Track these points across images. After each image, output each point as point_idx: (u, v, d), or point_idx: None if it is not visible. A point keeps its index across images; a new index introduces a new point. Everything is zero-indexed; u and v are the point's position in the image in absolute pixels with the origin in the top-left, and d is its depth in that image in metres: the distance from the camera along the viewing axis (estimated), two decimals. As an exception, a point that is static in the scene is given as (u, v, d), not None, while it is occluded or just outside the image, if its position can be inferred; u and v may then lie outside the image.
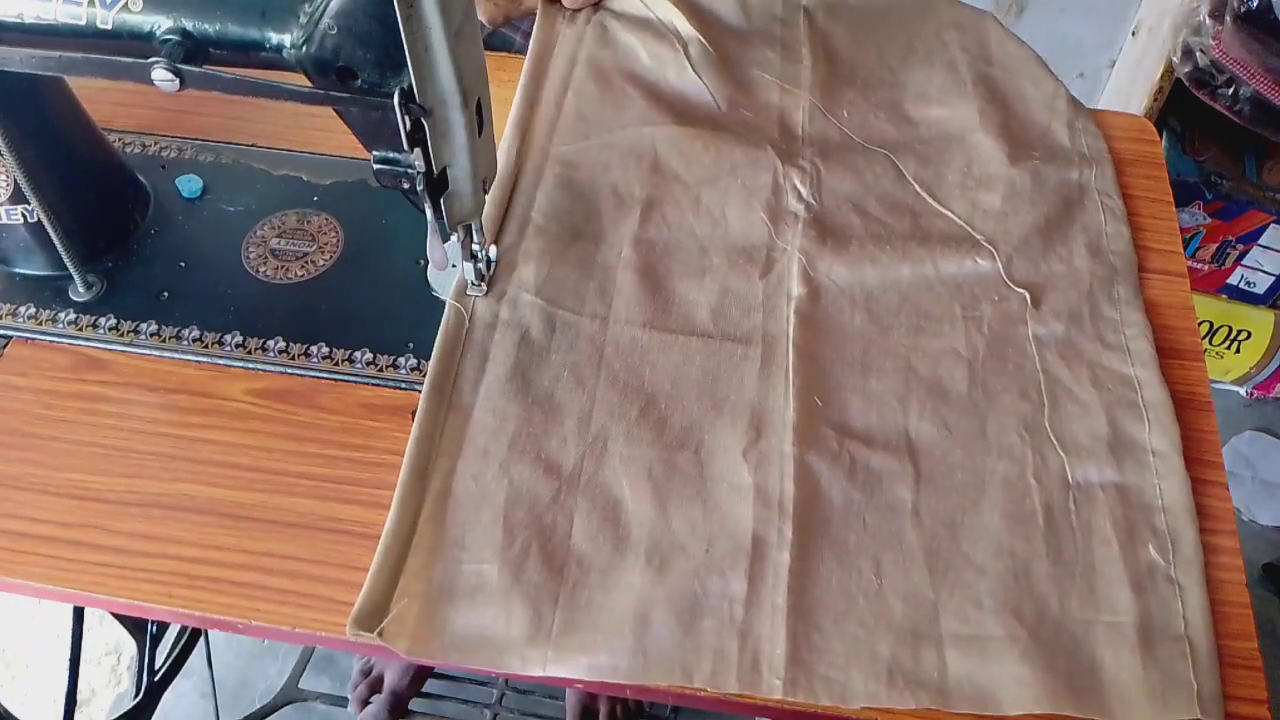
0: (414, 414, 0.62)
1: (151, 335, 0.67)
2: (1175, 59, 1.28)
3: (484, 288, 0.66)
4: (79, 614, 1.06)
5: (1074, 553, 0.56)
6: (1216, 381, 1.66)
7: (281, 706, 1.24)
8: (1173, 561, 0.56)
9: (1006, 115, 0.78)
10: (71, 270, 0.67)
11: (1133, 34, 1.56)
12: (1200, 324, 1.52)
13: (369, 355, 0.66)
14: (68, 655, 1.04)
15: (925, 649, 0.53)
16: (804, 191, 0.72)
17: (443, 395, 0.61)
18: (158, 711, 1.15)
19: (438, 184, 0.56)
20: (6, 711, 1.13)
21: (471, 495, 0.58)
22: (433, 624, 0.54)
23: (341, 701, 1.24)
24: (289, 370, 0.65)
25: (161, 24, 0.54)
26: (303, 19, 0.53)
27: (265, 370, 0.65)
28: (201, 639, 1.20)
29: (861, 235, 0.70)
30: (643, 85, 0.78)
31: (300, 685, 1.26)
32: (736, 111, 0.77)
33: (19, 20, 0.55)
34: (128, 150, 0.79)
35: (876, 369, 0.64)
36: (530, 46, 0.81)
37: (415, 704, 1.19)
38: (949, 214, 0.72)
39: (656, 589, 0.54)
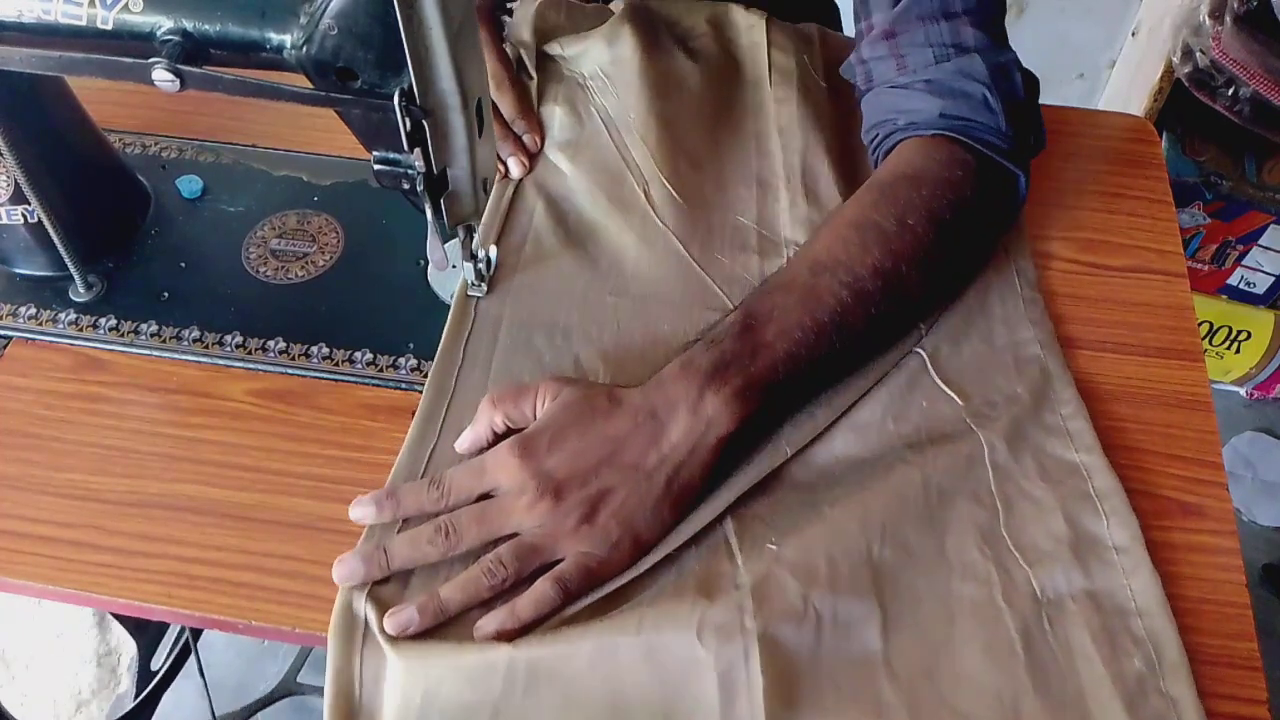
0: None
1: (152, 335, 0.67)
2: (1175, 59, 1.28)
3: (484, 288, 0.66)
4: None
5: (1060, 679, 0.52)
6: (1217, 382, 1.67)
7: (280, 698, 1.25)
8: (1160, 671, 0.52)
9: None
10: (72, 270, 0.67)
11: (1132, 34, 1.56)
12: (1200, 324, 1.53)
13: (369, 356, 0.66)
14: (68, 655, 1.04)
15: None
16: None
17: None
18: (157, 712, 1.16)
19: (438, 184, 0.56)
20: (5, 712, 1.14)
21: None
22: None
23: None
24: (289, 371, 0.65)
25: (162, 24, 0.54)
26: (303, 19, 0.53)
27: (265, 370, 0.65)
28: (201, 640, 1.20)
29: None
30: (602, 242, 0.70)
31: (299, 679, 1.26)
32: (710, 257, 0.69)
33: (19, 20, 0.55)
34: (128, 150, 0.79)
35: (828, 500, 0.56)
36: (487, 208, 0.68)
37: None
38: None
39: None
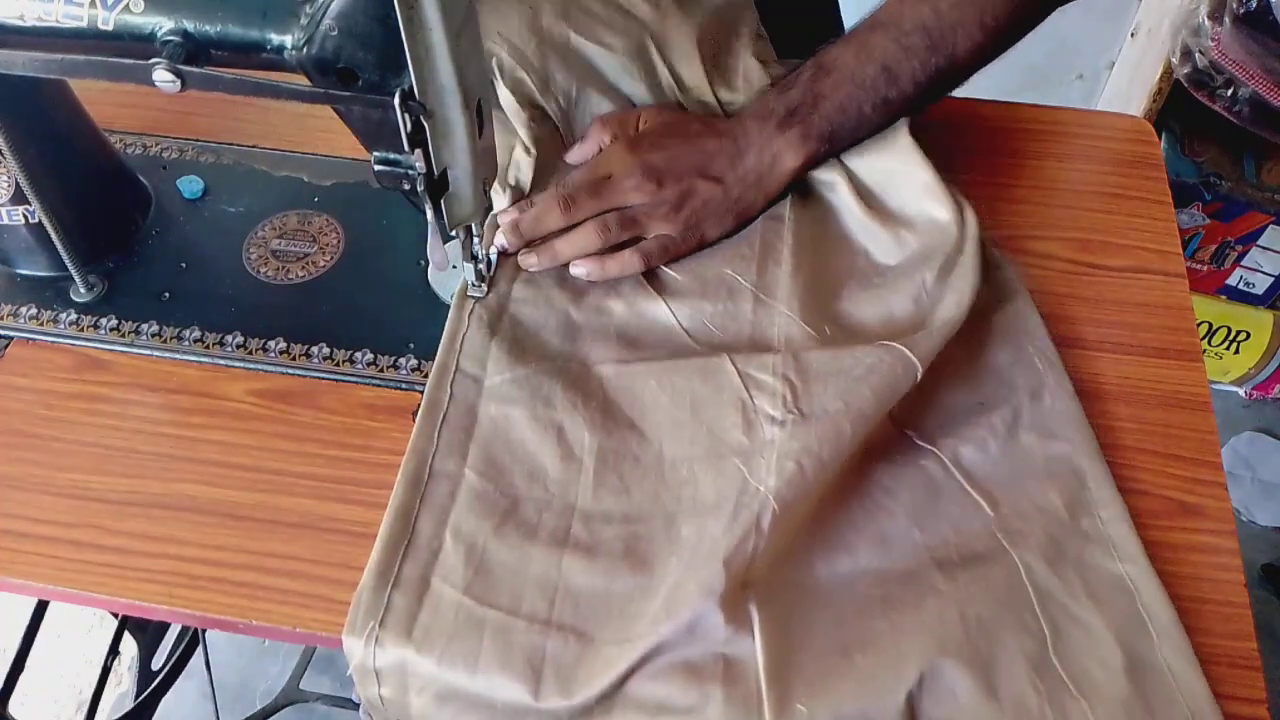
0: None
1: (152, 336, 0.67)
2: (1174, 60, 1.28)
3: (484, 288, 0.66)
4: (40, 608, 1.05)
5: None
6: (1215, 382, 1.67)
7: (283, 707, 1.24)
8: None
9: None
10: (72, 271, 0.67)
11: (1132, 35, 1.56)
12: (1199, 325, 1.53)
13: (370, 356, 0.66)
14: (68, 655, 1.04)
15: None
16: (777, 415, 0.59)
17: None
18: (158, 712, 1.16)
19: (438, 185, 0.56)
20: (5, 712, 1.14)
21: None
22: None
23: (342, 702, 1.24)
24: (290, 371, 0.65)
25: (162, 25, 0.54)
26: (303, 20, 0.53)
27: (266, 371, 0.65)
28: (202, 639, 1.20)
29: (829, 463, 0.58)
30: (589, 303, 0.66)
31: (301, 686, 1.26)
32: (699, 325, 0.65)
33: (19, 22, 0.55)
34: (129, 151, 0.79)
35: (858, 643, 0.53)
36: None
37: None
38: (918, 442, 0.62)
39: None
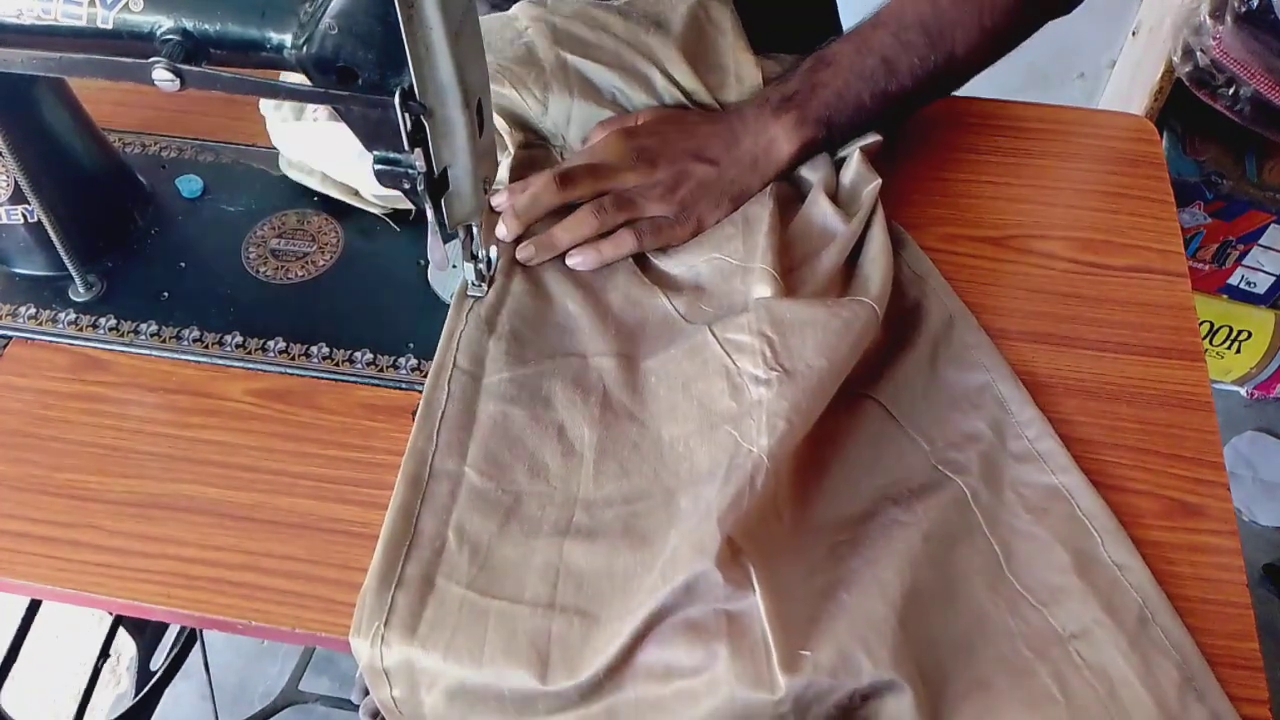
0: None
1: (151, 335, 0.67)
2: (1175, 59, 1.28)
3: (484, 288, 0.66)
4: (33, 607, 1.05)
5: (1104, 713, 0.51)
6: (1217, 382, 1.66)
7: (282, 709, 1.24)
8: (1192, 674, 0.52)
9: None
10: (71, 270, 0.67)
11: (1133, 34, 1.56)
12: (1201, 324, 1.52)
13: (369, 356, 0.66)
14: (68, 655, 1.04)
15: None
16: (760, 374, 0.58)
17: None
18: (157, 712, 1.15)
19: (438, 184, 0.56)
20: (4, 712, 1.14)
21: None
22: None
23: (342, 704, 1.24)
24: (289, 370, 0.65)
25: (162, 24, 0.54)
26: (303, 19, 0.53)
27: (265, 370, 0.65)
28: (200, 640, 1.20)
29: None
30: (587, 297, 0.66)
31: (300, 687, 1.26)
32: (696, 310, 0.65)
33: (18, 21, 0.55)
34: (128, 150, 0.79)
35: (841, 583, 0.54)
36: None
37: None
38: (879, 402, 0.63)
39: None
